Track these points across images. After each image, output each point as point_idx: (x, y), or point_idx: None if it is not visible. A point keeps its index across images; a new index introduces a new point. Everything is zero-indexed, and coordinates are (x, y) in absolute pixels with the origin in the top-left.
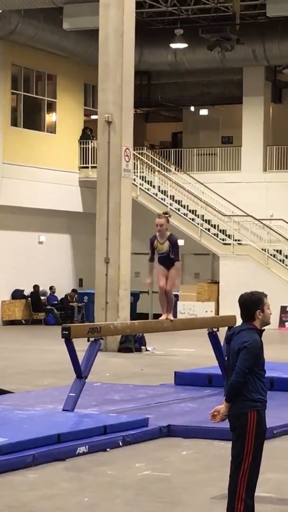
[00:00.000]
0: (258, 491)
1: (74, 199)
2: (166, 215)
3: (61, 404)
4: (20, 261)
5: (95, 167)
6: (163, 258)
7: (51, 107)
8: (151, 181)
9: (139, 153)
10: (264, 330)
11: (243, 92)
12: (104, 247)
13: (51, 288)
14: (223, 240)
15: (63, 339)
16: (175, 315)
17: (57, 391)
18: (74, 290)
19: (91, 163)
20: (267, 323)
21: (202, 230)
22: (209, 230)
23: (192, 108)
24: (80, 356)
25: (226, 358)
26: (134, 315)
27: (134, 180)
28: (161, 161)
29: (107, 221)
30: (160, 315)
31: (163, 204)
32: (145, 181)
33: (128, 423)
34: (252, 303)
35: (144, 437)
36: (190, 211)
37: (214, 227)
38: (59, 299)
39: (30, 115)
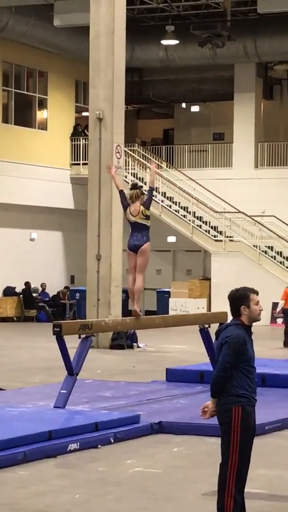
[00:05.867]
0: (249, 487)
1: (66, 196)
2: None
3: (52, 401)
4: (11, 258)
5: (86, 164)
6: (136, 227)
7: (42, 104)
8: (142, 178)
9: (130, 150)
10: (251, 326)
11: (234, 89)
12: (95, 244)
13: (42, 285)
14: (214, 236)
15: (55, 336)
16: (166, 312)
17: (49, 388)
18: (66, 287)
19: (83, 160)
20: (256, 319)
21: (194, 227)
22: (200, 226)
23: (184, 105)
24: (72, 353)
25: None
26: (126, 312)
27: (126, 177)
28: (153, 157)
29: (99, 218)
30: (152, 313)
31: (154, 200)
32: (137, 178)
33: (120, 419)
34: (237, 299)
35: (136, 433)
36: (181, 207)
37: (206, 224)
38: (50, 296)
39: (21, 112)
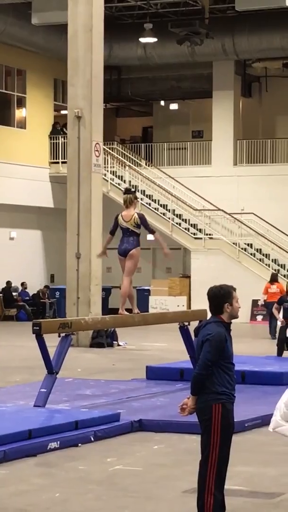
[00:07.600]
0: (229, 484)
1: (45, 194)
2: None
3: (32, 400)
4: None
5: (65, 162)
6: (126, 233)
7: (21, 103)
8: (122, 176)
9: (109, 148)
10: (231, 323)
11: (213, 86)
12: (75, 242)
13: (22, 284)
14: (194, 234)
15: (34, 335)
16: (146, 310)
17: (29, 387)
18: (46, 286)
19: (61, 158)
20: (235, 317)
21: (173, 225)
22: (180, 224)
23: (162, 103)
24: (52, 351)
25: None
26: (106, 310)
27: (105, 175)
28: (132, 155)
29: (78, 216)
30: (132, 311)
31: None
32: (116, 176)
33: (100, 418)
34: (221, 297)
35: (116, 432)
36: (161, 205)
37: (185, 222)
38: (30, 295)
39: (0, 111)
